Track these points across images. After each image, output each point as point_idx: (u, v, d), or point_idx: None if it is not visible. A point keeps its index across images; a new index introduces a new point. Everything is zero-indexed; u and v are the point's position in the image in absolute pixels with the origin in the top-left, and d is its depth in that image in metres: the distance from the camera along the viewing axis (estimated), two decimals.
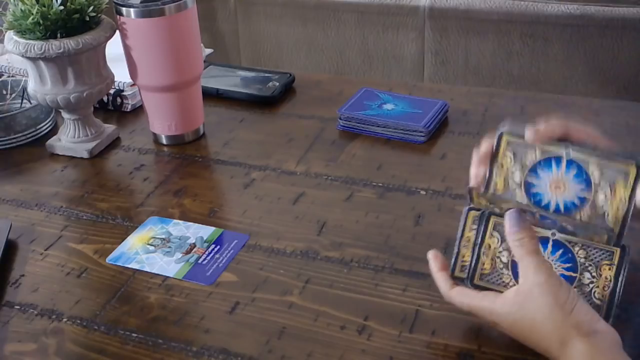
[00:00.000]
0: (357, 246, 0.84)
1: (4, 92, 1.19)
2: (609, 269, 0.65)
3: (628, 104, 1.17)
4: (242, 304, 0.76)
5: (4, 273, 0.83)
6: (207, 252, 0.84)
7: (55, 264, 0.84)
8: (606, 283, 0.65)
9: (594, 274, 0.65)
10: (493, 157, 0.69)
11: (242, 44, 2.15)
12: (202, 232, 0.88)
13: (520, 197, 0.68)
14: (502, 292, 0.65)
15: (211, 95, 1.20)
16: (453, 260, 0.69)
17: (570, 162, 0.66)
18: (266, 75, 1.25)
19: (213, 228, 0.88)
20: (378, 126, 1.07)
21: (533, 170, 0.67)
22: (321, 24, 2.01)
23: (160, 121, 1.07)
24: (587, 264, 0.66)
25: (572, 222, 0.66)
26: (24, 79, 1.18)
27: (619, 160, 0.64)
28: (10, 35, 0.98)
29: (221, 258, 0.83)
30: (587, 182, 0.65)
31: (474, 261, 0.68)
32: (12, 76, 1.23)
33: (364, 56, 2.01)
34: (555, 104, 1.14)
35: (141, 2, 0.99)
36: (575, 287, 0.65)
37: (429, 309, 0.74)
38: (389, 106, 1.11)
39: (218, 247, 0.85)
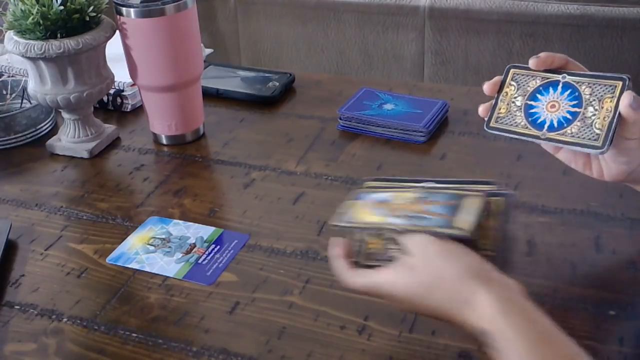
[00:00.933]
0: None
1: (4, 92, 1.19)
2: (610, 101, 0.70)
3: None
4: (242, 304, 0.76)
5: (4, 273, 0.83)
6: (207, 252, 0.84)
7: (55, 264, 0.84)
8: (607, 114, 0.69)
9: (596, 107, 0.71)
10: (500, 88, 0.77)
11: (242, 44, 2.15)
12: (202, 232, 0.88)
13: (519, 117, 0.74)
14: (515, 131, 0.74)
15: (211, 95, 1.20)
16: (490, 111, 0.76)
17: (565, 85, 0.73)
18: (266, 75, 1.25)
19: (213, 228, 0.88)
20: (378, 126, 1.07)
21: (533, 95, 0.75)
22: (321, 24, 2.01)
23: (160, 121, 1.07)
24: (591, 99, 0.71)
25: None
26: (24, 79, 1.18)
27: (608, 78, 0.71)
28: (10, 35, 0.98)
29: (221, 258, 0.83)
30: (579, 99, 0.72)
31: (492, 108, 0.76)
32: (12, 76, 1.23)
33: (364, 56, 2.01)
34: None
35: (141, 2, 0.99)
36: (578, 121, 0.71)
37: None
38: (389, 106, 1.11)
39: (218, 247, 0.85)
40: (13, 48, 0.96)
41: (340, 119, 1.09)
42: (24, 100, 1.17)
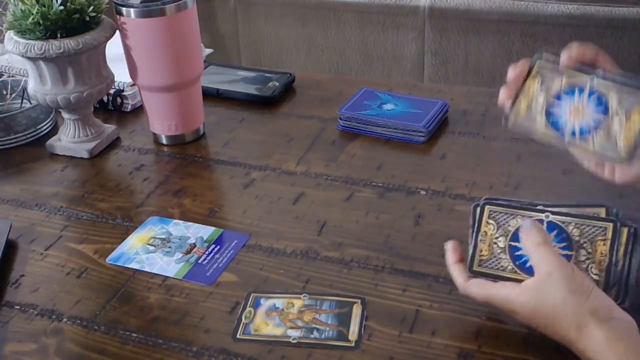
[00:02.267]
0: (357, 246, 0.84)
1: (4, 92, 1.19)
2: (604, 244, 0.66)
3: None
4: (242, 304, 0.76)
5: (4, 273, 0.83)
6: (207, 252, 0.84)
7: (55, 264, 0.84)
8: (602, 258, 0.66)
9: (589, 250, 0.67)
10: (524, 79, 0.72)
11: (242, 44, 2.15)
12: (202, 232, 0.88)
13: (505, 261, 0.68)
14: (503, 276, 0.67)
15: (211, 95, 1.20)
16: (470, 254, 0.70)
17: (592, 92, 0.68)
18: (266, 75, 1.25)
19: (213, 228, 0.88)
20: (378, 126, 1.07)
21: (516, 235, 0.69)
22: (321, 24, 2.01)
23: (161, 121, 1.07)
24: (582, 242, 0.67)
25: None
26: (24, 79, 1.18)
27: (596, 220, 0.67)
28: (10, 35, 0.98)
29: (221, 258, 0.83)
30: (605, 109, 0.68)
31: (471, 249, 0.70)
32: (12, 76, 1.23)
33: (364, 56, 2.01)
34: None
35: (141, 2, 0.99)
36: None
37: (429, 309, 0.74)
38: (389, 106, 1.11)
39: (218, 247, 0.85)
40: (13, 48, 0.96)
41: (340, 119, 1.09)
42: (24, 100, 1.17)
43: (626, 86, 0.67)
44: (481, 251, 0.69)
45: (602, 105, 0.68)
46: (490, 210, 0.70)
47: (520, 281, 0.66)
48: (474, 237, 0.70)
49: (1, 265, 0.83)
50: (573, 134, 0.69)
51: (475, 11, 1.82)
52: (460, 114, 1.11)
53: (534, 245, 0.65)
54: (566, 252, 0.67)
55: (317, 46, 2.05)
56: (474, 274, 0.69)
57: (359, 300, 0.75)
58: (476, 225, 0.70)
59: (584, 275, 0.64)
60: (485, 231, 0.70)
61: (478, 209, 0.70)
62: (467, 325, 0.71)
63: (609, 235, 0.66)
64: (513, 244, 0.68)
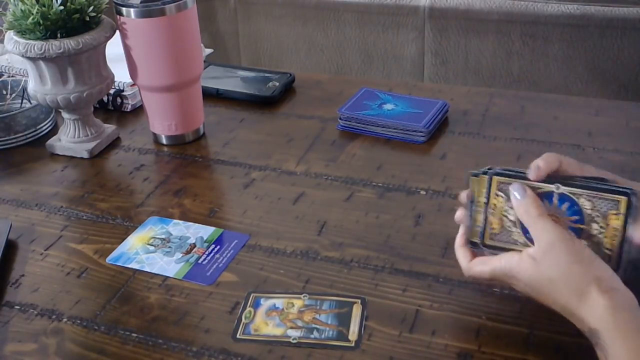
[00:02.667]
0: (357, 246, 0.84)
1: (4, 92, 1.19)
2: (617, 219, 0.65)
3: (628, 104, 1.17)
4: (242, 304, 0.76)
5: (4, 273, 0.83)
6: (207, 252, 0.84)
7: (55, 264, 0.84)
8: (615, 233, 0.65)
9: (601, 224, 0.66)
10: (472, 198, 0.70)
11: (242, 44, 2.15)
12: (202, 232, 0.88)
13: (517, 234, 0.68)
14: (515, 250, 0.66)
15: (211, 95, 1.20)
16: (482, 229, 0.69)
17: (562, 197, 0.66)
18: (266, 75, 1.25)
19: (213, 228, 0.88)
20: (378, 126, 1.07)
21: None
22: (321, 24, 2.01)
23: (161, 121, 1.07)
24: (593, 215, 0.66)
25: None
26: (24, 79, 1.18)
27: (609, 193, 0.65)
28: (10, 35, 0.98)
29: (221, 258, 0.83)
30: (580, 214, 0.66)
31: (482, 223, 0.69)
32: (12, 76, 1.23)
33: (364, 56, 2.01)
34: (555, 104, 1.14)
35: (141, 2, 0.99)
36: (584, 239, 0.66)
37: (429, 309, 0.74)
38: (389, 106, 1.11)
39: (218, 247, 0.85)
40: (13, 48, 0.96)
41: (340, 119, 1.09)
42: (24, 100, 1.17)
43: (593, 191, 0.65)
44: (492, 224, 0.69)
45: (577, 212, 0.66)
46: (499, 182, 0.69)
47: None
48: (482, 210, 0.69)
49: (1, 265, 0.83)
50: None
51: (475, 11, 1.82)
52: (460, 114, 1.11)
53: (534, 217, 0.65)
54: (579, 225, 0.66)
55: (317, 46, 2.05)
56: (485, 247, 0.69)
57: (359, 300, 0.75)
58: (485, 198, 0.69)
59: (584, 246, 0.64)
60: (494, 204, 0.69)
61: (487, 181, 0.69)
62: (467, 325, 0.71)
63: (622, 209, 0.65)
64: None
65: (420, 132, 1.04)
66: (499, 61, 1.84)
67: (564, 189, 0.66)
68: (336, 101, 1.15)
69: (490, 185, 0.69)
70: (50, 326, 0.75)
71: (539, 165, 0.68)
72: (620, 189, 0.65)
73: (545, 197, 0.67)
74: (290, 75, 1.24)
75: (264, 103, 1.18)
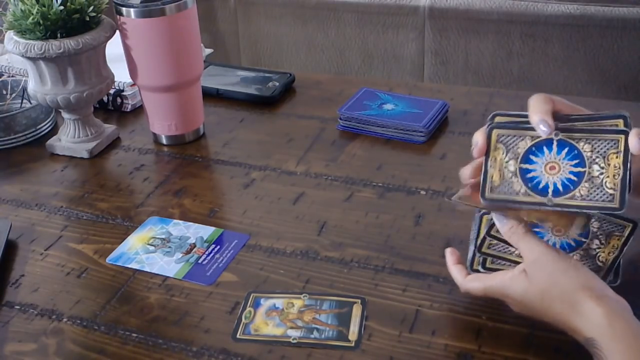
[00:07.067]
0: (357, 246, 0.84)
1: (4, 92, 1.19)
2: (617, 157, 0.65)
3: (628, 104, 1.17)
4: (242, 304, 0.76)
5: (4, 273, 0.83)
6: (207, 252, 0.84)
7: (55, 264, 0.84)
8: (615, 171, 0.65)
9: (602, 165, 0.66)
10: (486, 152, 0.69)
11: (242, 44, 2.15)
12: (202, 232, 0.88)
13: (517, 184, 0.67)
14: (511, 259, 0.69)
15: (211, 95, 1.20)
16: (482, 180, 0.69)
17: (561, 143, 0.67)
18: (266, 75, 1.25)
19: (213, 228, 0.88)
20: (378, 126, 1.07)
21: (526, 157, 0.68)
22: (321, 24, 2.01)
23: (160, 121, 1.07)
24: (594, 157, 0.66)
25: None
26: (24, 79, 1.18)
27: (606, 130, 0.66)
28: (10, 35, 0.98)
29: (221, 258, 0.83)
30: (580, 158, 0.66)
31: (483, 175, 0.69)
32: (12, 76, 1.23)
33: (364, 56, 2.01)
34: None
35: (141, 2, 0.99)
36: (586, 181, 0.66)
37: (429, 309, 0.74)
38: (389, 106, 1.11)
39: (218, 247, 0.85)
40: (13, 48, 0.96)
41: (340, 119, 1.09)
42: (24, 100, 1.17)
43: (591, 132, 0.66)
44: (492, 177, 0.68)
45: (576, 156, 0.66)
46: (498, 135, 0.68)
47: (516, 264, 0.67)
48: (485, 161, 0.69)
49: (1, 265, 0.83)
50: (556, 189, 0.67)
51: (475, 11, 1.82)
52: (460, 114, 1.11)
53: (520, 235, 0.66)
54: (579, 169, 0.66)
55: (317, 46, 2.05)
56: (486, 200, 0.68)
57: (359, 300, 0.75)
58: (487, 150, 0.69)
59: (569, 256, 0.65)
60: (494, 156, 0.69)
61: (487, 133, 0.69)
62: (467, 325, 0.71)
63: (621, 147, 0.65)
64: (524, 166, 0.67)
65: (420, 132, 1.04)
66: (499, 61, 1.84)
67: (562, 135, 0.67)
68: (336, 101, 1.15)
69: (489, 137, 0.69)
70: (50, 326, 0.75)
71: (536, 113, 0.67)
72: (618, 129, 0.65)
73: (545, 144, 0.67)
74: (290, 75, 1.24)
75: (264, 103, 1.18)
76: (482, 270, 0.71)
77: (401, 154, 1.02)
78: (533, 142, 0.68)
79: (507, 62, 1.84)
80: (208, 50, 1.38)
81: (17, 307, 0.78)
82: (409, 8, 1.88)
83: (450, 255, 0.73)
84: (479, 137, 0.69)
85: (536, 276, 0.64)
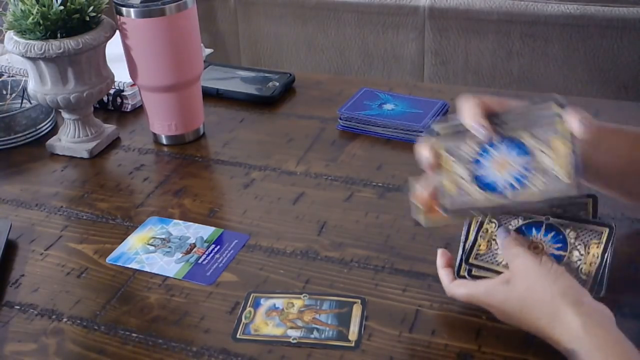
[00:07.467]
0: (357, 246, 0.84)
1: (4, 92, 1.19)
2: (597, 247, 0.68)
3: (628, 104, 1.17)
4: (242, 304, 0.76)
5: (4, 273, 0.83)
6: (207, 252, 0.84)
7: (55, 264, 0.84)
8: (593, 260, 0.68)
9: (582, 252, 0.68)
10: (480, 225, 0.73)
11: (242, 44, 2.15)
12: (202, 232, 0.88)
13: (475, 191, 0.69)
14: (496, 270, 0.69)
15: (211, 95, 1.20)
16: (469, 248, 0.71)
17: (549, 227, 0.70)
18: (266, 75, 1.25)
19: (213, 228, 0.88)
20: (378, 126, 1.07)
21: (475, 160, 0.69)
22: (321, 24, 2.01)
23: (161, 121, 1.07)
24: (576, 244, 0.69)
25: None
26: (24, 79, 1.18)
27: (594, 224, 0.69)
28: (10, 35, 0.98)
29: (221, 258, 0.83)
30: (564, 242, 0.69)
31: (471, 243, 0.71)
32: (12, 76, 1.23)
33: (364, 56, 2.01)
34: None
35: (141, 2, 0.99)
36: (563, 265, 0.67)
37: (429, 309, 0.74)
38: (389, 106, 1.11)
39: (218, 247, 0.85)
40: (13, 48, 0.96)
41: (340, 119, 1.09)
42: (24, 100, 1.17)
43: (527, 120, 0.67)
44: (479, 246, 0.71)
45: (521, 148, 0.68)
46: (442, 146, 0.70)
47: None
48: (473, 230, 0.72)
49: (1, 265, 0.83)
50: (512, 186, 0.68)
51: (475, 11, 1.82)
52: None
53: (506, 247, 0.68)
54: (560, 252, 0.69)
55: (317, 46, 2.04)
56: (469, 266, 0.71)
57: (359, 300, 0.75)
58: (479, 223, 0.72)
59: (551, 261, 0.65)
60: (486, 228, 0.72)
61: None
62: (467, 325, 0.71)
63: (604, 239, 0.68)
64: (475, 171, 0.69)
65: (420, 132, 1.04)
66: (499, 61, 1.84)
67: (552, 221, 0.70)
68: (336, 101, 1.15)
69: (435, 151, 0.70)
70: (50, 326, 0.75)
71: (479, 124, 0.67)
72: (605, 221, 0.69)
73: (534, 225, 0.71)
74: (290, 75, 1.24)
75: (264, 103, 1.18)
76: (467, 277, 0.71)
77: (401, 154, 1.02)
78: (477, 148, 0.69)
79: (507, 62, 1.84)
80: (208, 50, 1.38)
81: (17, 307, 0.78)
82: (409, 8, 1.88)
83: (440, 257, 0.73)
84: (425, 152, 0.70)
85: (517, 285, 0.65)
